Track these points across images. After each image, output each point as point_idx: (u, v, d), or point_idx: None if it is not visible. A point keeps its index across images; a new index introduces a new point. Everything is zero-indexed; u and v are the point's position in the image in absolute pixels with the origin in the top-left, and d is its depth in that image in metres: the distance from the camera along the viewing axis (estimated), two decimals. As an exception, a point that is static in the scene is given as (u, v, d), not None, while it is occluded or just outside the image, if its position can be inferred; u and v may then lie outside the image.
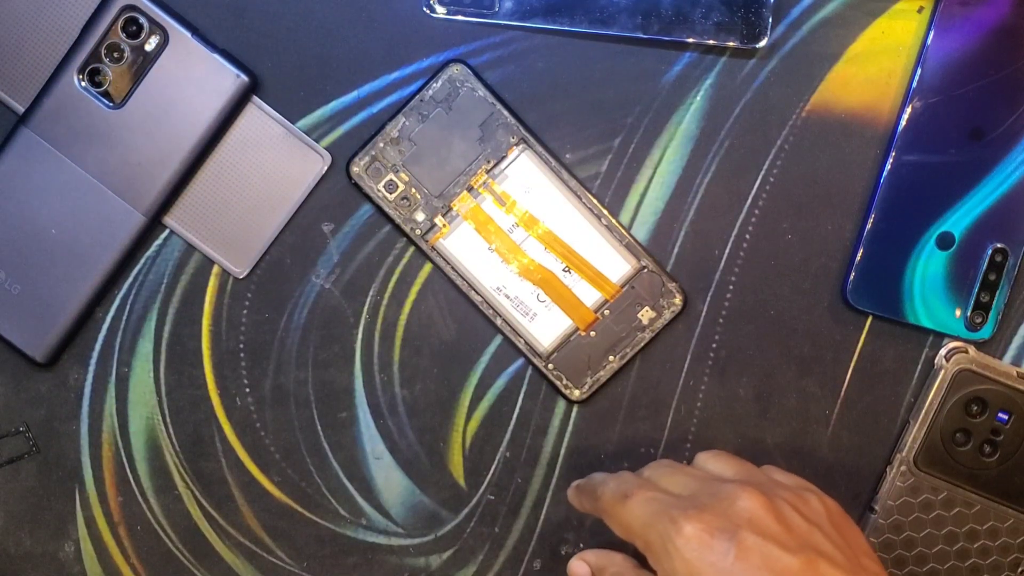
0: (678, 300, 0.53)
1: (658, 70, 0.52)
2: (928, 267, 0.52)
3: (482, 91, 0.51)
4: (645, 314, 0.53)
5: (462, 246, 0.52)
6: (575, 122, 0.52)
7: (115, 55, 0.50)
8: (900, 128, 0.51)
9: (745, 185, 0.53)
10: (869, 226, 0.52)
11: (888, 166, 0.52)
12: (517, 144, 0.52)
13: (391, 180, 0.51)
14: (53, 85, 0.50)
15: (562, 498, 0.54)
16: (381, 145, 0.51)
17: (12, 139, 0.50)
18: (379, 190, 0.52)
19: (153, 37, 0.49)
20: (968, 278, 0.52)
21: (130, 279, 0.53)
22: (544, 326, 0.53)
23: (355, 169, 0.51)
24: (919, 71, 0.51)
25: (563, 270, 0.52)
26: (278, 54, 0.51)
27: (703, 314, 0.53)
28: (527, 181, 0.52)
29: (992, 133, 0.51)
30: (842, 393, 0.54)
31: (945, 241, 0.52)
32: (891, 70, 0.52)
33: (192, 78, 0.50)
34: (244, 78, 0.50)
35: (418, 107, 0.51)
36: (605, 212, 0.52)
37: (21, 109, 0.50)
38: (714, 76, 0.52)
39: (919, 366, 0.54)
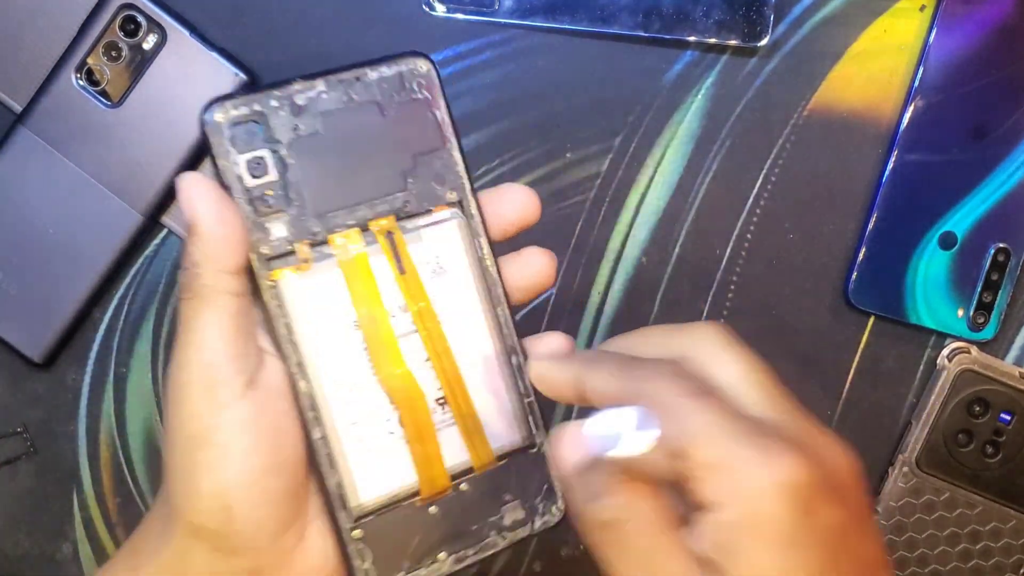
0: (557, 510, 0.39)
1: (659, 69, 0.52)
2: (930, 267, 0.52)
3: (440, 113, 0.37)
4: (511, 511, 0.38)
5: (316, 300, 0.36)
6: (575, 121, 0.52)
7: (113, 54, 0.49)
8: (902, 127, 0.51)
9: (747, 184, 0.52)
10: (871, 225, 0.52)
11: (890, 165, 0.51)
12: (453, 205, 0.38)
13: (261, 158, 0.35)
14: (51, 84, 0.49)
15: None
16: (274, 104, 0.36)
17: (10, 138, 0.50)
18: (236, 161, 0.35)
19: (151, 36, 0.49)
20: (970, 278, 0.52)
21: (128, 279, 0.52)
22: (374, 469, 0.37)
23: (218, 116, 0.35)
24: (921, 70, 0.51)
25: (437, 400, 0.37)
26: (277, 53, 0.51)
27: (704, 314, 0.53)
28: (444, 259, 0.38)
29: (995, 132, 0.51)
30: (844, 393, 0.54)
31: (947, 241, 0.52)
32: (893, 69, 0.52)
33: (190, 77, 0.49)
34: (243, 76, 0.50)
35: (350, 84, 0.37)
36: (520, 351, 0.38)
37: (19, 108, 0.50)
38: (715, 75, 0.52)
39: (921, 366, 0.53)
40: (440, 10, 0.51)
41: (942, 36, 0.51)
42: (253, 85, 0.50)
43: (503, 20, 0.50)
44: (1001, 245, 0.52)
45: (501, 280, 0.38)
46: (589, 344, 0.53)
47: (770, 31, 0.50)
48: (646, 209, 0.53)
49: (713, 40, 0.50)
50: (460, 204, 0.38)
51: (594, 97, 0.52)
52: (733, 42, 0.50)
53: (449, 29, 0.51)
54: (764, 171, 0.52)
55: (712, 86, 0.52)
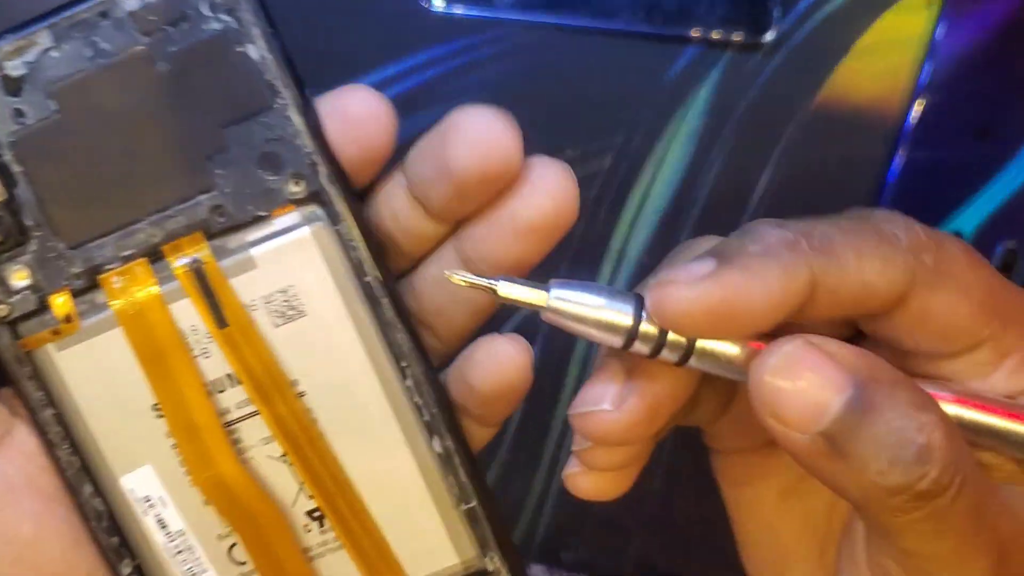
0: None
1: (662, 65, 0.51)
2: (937, 266, 0.52)
3: (258, 49, 0.26)
4: None
5: (94, 376, 0.24)
6: (576, 118, 0.51)
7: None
8: (909, 124, 0.51)
9: (751, 181, 0.52)
10: (877, 224, 0.51)
11: (897, 163, 0.51)
12: (303, 202, 0.24)
13: None
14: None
15: (562, 502, 0.53)
16: None
17: None
18: None
19: (143, 31, 0.48)
20: (977, 277, 0.52)
21: (120, 280, 0.52)
22: None
23: None
24: (928, 66, 0.51)
25: (309, 515, 0.26)
26: (272, 48, 0.50)
27: (707, 315, 0.53)
28: (299, 293, 0.24)
29: (1002, 129, 0.51)
30: (849, 395, 0.53)
31: (954, 240, 0.52)
32: (899, 65, 0.51)
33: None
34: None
35: (92, 27, 0.23)
36: (445, 428, 0.27)
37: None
38: (719, 71, 0.51)
39: (928, 367, 0.53)
40: (438, 5, 0.50)
41: (949, 32, 0.50)
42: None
43: (503, 16, 0.50)
44: (1009, 244, 0.51)
45: (407, 315, 0.25)
46: (588, 351, 0.52)
47: (775, 26, 0.50)
48: (648, 208, 0.52)
49: (717, 35, 0.50)
50: (317, 199, 0.24)
51: (595, 94, 0.51)
52: (737, 38, 0.50)
53: (447, 24, 0.51)
54: (769, 168, 0.52)
55: (716, 82, 0.51)
